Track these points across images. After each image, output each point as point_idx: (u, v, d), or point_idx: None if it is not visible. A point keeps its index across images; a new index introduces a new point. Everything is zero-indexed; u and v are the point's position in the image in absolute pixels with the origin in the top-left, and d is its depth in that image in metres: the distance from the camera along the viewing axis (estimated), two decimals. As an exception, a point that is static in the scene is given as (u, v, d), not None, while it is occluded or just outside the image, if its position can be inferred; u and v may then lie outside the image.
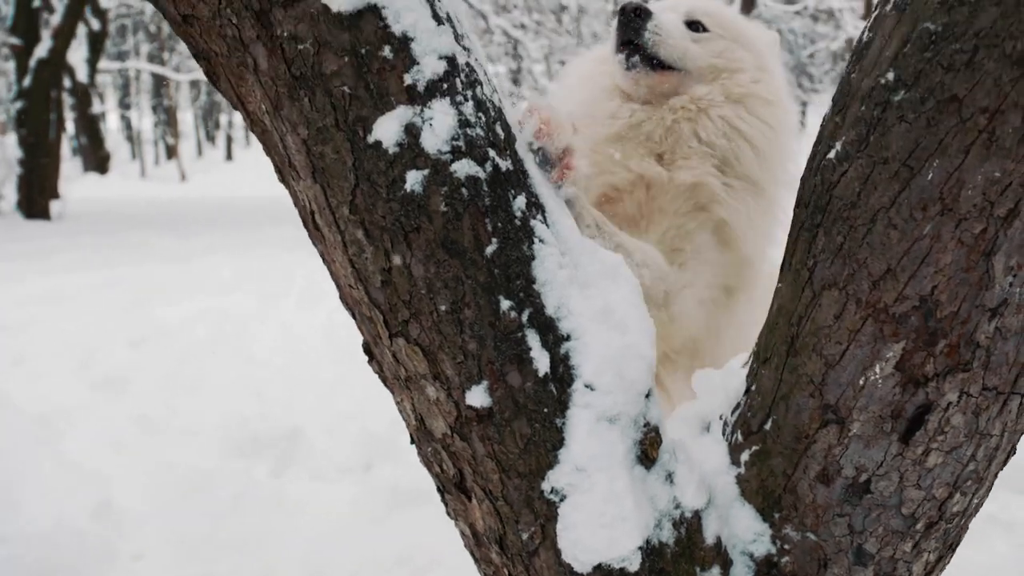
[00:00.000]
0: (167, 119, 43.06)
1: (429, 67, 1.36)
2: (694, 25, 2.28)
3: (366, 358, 1.60)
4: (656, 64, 2.18)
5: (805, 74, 30.45)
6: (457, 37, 1.43)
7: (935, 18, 1.25)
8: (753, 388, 1.58)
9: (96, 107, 23.94)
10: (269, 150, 1.51)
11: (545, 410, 1.42)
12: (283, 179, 1.52)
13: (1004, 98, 1.22)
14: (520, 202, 1.42)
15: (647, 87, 2.20)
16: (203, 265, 9.82)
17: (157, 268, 9.71)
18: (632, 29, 2.14)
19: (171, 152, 44.33)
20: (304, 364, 6.09)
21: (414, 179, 1.34)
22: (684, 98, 2.18)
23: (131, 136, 49.15)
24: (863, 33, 1.38)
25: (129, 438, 4.73)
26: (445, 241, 1.36)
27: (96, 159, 24.76)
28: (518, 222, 1.41)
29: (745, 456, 1.58)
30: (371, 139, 1.34)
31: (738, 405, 1.63)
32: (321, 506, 4.09)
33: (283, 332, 6.88)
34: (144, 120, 47.45)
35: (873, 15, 1.37)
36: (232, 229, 14.04)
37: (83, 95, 22.75)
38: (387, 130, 1.33)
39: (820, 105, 37.25)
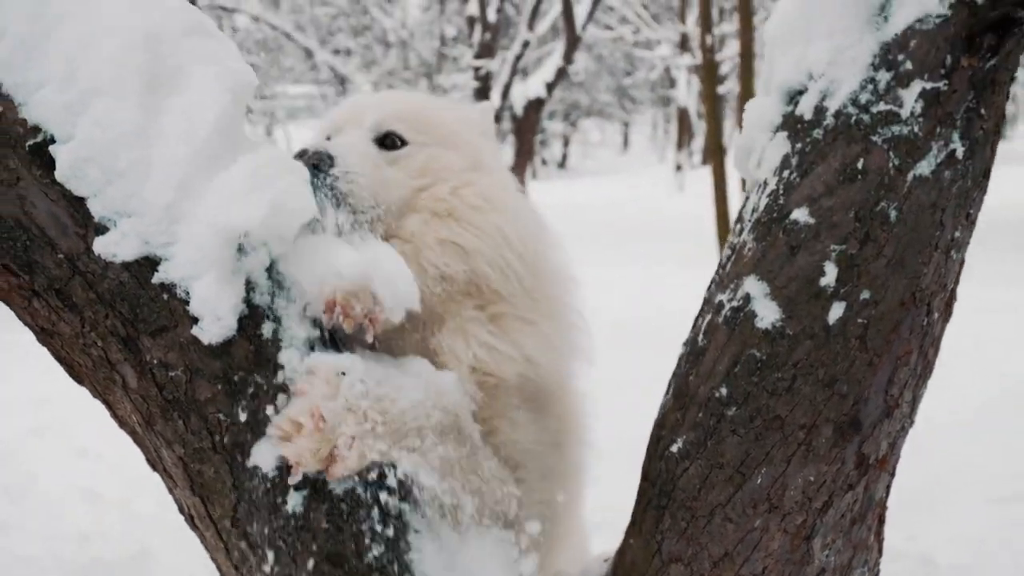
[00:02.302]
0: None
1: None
2: (389, 140, 1.89)
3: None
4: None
5: (627, 97, 31.75)
6: (327, 349, 1.50)
7: (760, 347, 1.44)
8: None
9: None
10: (139, 447, 1.52)
11: None
12: (155, 472, 1.53)
13: (818, 415, 1.42)
14: (395, 500, 1.50)
15: None
16: (17, 338, 9.10)
17: (-37, 345, 8.92)
18: (319, 181, 1.70)
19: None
20: (141, 456, 5.83)
21: (295, 500, 1.40)
22: (395, 242, 1.77)
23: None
24: (698, 335, 1.55)
25: (-58, 569, 4.39)
26: (329, 555, 1.42)
27: None
28: (394, 522, 1.49)
29: None
30: (250, 463, 1.39)
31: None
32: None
33: (112, 420, 6.53)
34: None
35: (706, 319, 1.55)
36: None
37: None
38: (265, 456, 1.38)
39: (642, 124, 39.01)
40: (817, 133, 1.50)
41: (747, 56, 7.85)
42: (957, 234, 1.49)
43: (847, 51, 1.51)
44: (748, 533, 1.46)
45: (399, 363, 1.64)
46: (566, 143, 33.49)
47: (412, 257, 1.73)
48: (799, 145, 1.52)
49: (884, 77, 1.47)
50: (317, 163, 1.70)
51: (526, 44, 18.26)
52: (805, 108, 1.53)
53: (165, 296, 1.37)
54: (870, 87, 1.47)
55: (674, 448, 1.52)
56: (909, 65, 1.46)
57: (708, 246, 9.95)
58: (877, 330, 1.43)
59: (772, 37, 1.62)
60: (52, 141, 1.35)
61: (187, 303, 1.37)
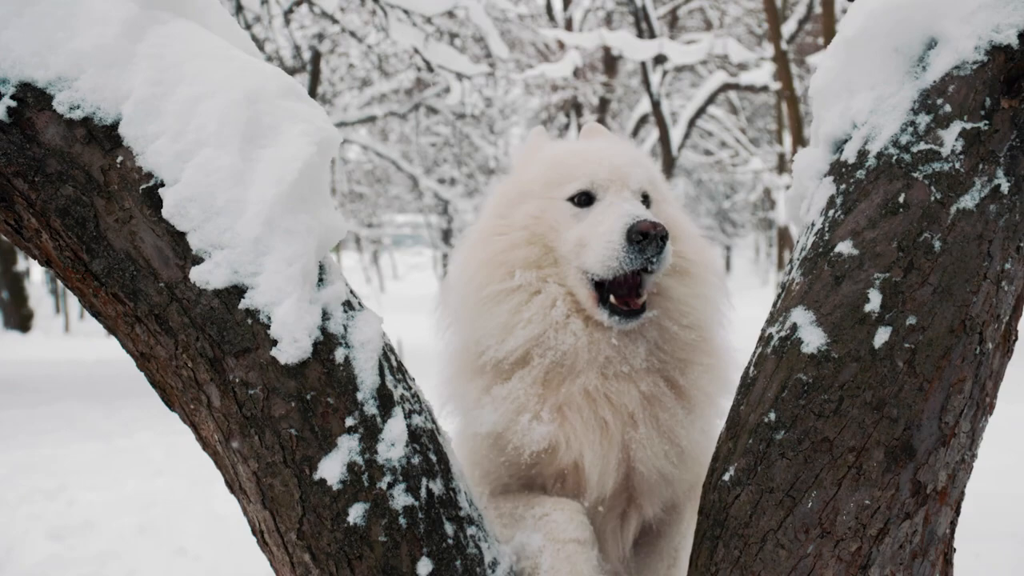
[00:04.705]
0: (95, 272, 42.23)
1: (369, 409, 1.52)
2: (646, 199, 2.07)
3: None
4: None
5: (728, 220, 31.84)
6: (396, 377, 1.61)
7: (806, 370, 1.47)
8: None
9: (20, 264, 23.60)
10: (220, 469, 1.64)
11: None
12: (233, 494, 1.64)
13: (868, 438, 1.44)
14: (452, 523, 1.56)
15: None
16: (130, 444, 9.56)
17: (81, 447, 9.38)
18: (650, 258, 1.86)
19: (98, 305, 43.22)
20: (236, 558, 5.96)
21: (356, 512, 1.48)
22: (656, 312, 1.97)
23: (55, 290, 48.07)
24: (749, 368, 1.60)
25: (49, 658, 4.54)
26: (385, 567, 1.49)
27: (18, 317, 24.20)
28: (451, 541, 1.55)
29: None
30: (316, 476, 1.49)
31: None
32: None
33: (214, 521, 6.73)
34: (71, 273, 46.41)
35: (756, 353, 1.59)
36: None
37: (7, 252, 22.49)
38: (331, 470, 1.48)
39: (744, 248, 38.81)
40: (860, 174, 1.57)
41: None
42: (1008, 266, 1.51)
43: (888, 99, 1.59)
44: (801, 560, 1.45)
45: None
46: (667, 267, 33.38)
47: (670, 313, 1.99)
48: (843, 186, 1.59)
49: (924, 120, 1.54)
50: (665, 235, 1.86)
51: (624, 169, 18.72)
52: (849, 153, 1.61)
53: (249, 321, 1.52)
54: (910, 129, 1.54)
55: (726, 477, 1.55)
56: (948, 108, 1.53)
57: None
58: (926, 355, 1.45)
59: (817, 91, 1.71)
60: (162, 184, 1.54)
61: (268, 327, 1.51)
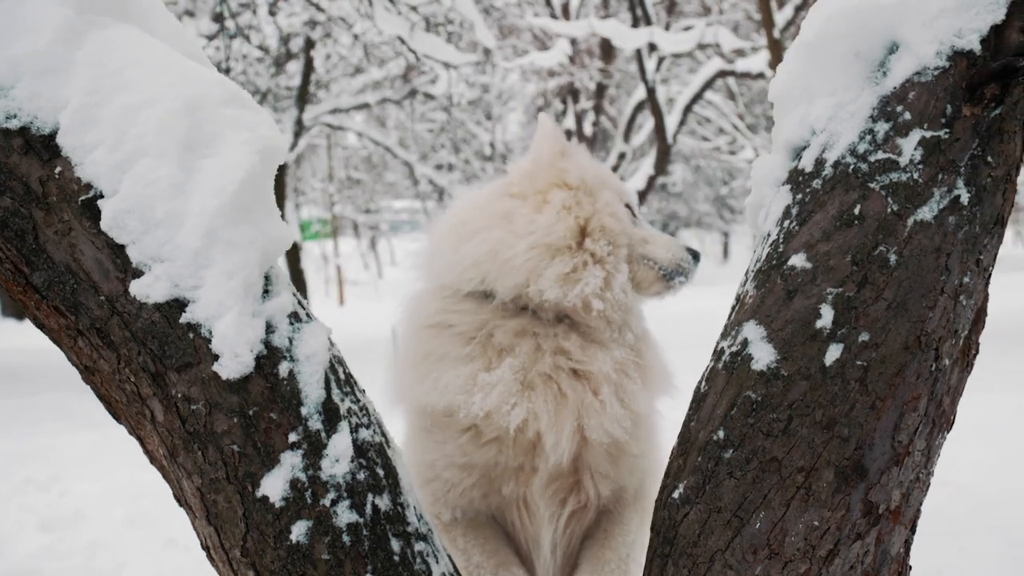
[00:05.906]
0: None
1: (313, 424, 1.50)
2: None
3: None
4: None
5: (726, 206, 31.71)
6: (343, 391, 1.58)
7: (756, 388, 1.44)
8: None
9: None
10: (167, 482, 1.61)
11: None
12: (181, 507, 1.62)
13: (817, 458, 1.40)
14: (399, 539, 1.54)
15: None
16: (122, 434, 9.52)
17: (75, 437, 9.37)
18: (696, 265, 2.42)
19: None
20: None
21: (299, 530, 1.46)
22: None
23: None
24: (700, 383, 1.57)
25: (37, 651, 4.54)
26: (328, 586, 1.46)
27: (15, 305, 24.19)
28: (397, 558, 1.53)
29: None
30: (259, 493, 1.46)
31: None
32: None
33: (205, 511, 6.72)
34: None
35: (709, 367, 1.56)
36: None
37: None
38: (273, 487, 1.46)
39: (742, 235, 38.61)
40: (816, 183, 1.53)
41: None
42: (966, 280, 1.48)
43: (847, 106, 1.55)
44: (750, 581, 1.43)
45: None
46: (665, 253, 33.22)
47: None
48: (799, 196, 1.55)
49: (882, 128, 1.50)
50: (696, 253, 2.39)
51: (622, 156, 18.64)
52: (807, 162, 1.57)
53: (191, 335, 1.48)
54: (868, 137, 1.51)
55: (676, 494, 1.52)
56: (908, 115, 1.49)
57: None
58: (879, 373, 1.42)
59: (777, 96, 1.67)
60: (101, 196, 1.50)
61: (209, 342, 1.48)
